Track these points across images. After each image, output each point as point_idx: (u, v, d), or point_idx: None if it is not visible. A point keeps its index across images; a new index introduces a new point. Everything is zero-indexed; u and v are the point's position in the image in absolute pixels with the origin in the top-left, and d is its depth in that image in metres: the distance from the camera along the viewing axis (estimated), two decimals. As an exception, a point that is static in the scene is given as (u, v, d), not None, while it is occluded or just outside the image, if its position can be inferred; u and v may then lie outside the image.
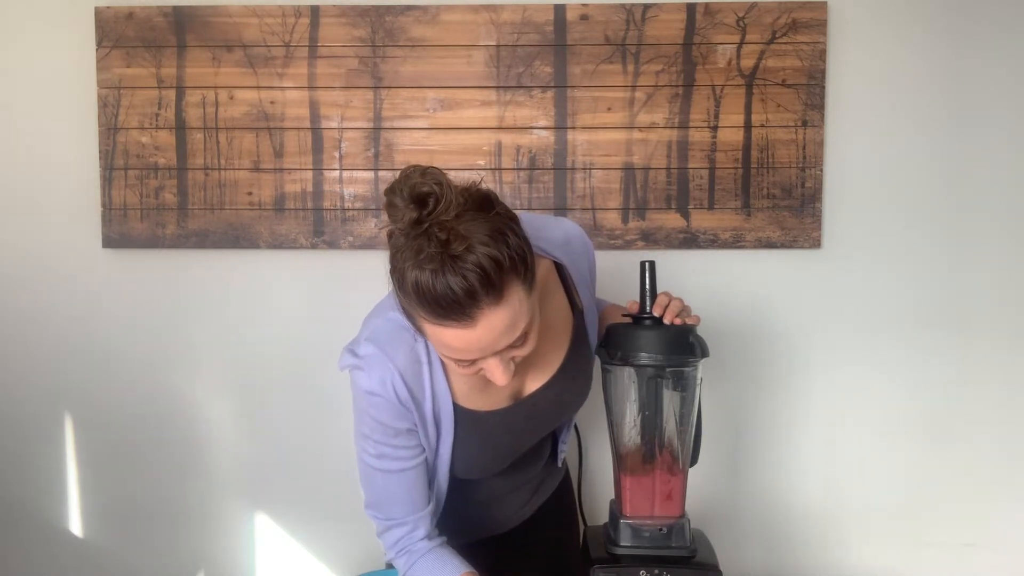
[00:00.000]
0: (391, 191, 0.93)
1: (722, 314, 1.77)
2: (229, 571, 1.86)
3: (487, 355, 0.96)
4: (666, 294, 1.20)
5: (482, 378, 1.09)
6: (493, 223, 0.91)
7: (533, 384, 1.17)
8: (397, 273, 0.93)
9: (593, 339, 1.26)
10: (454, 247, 0.88)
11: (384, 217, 0.99)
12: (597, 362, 1.34)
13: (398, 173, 1.12)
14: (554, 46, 1.72)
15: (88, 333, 1.80)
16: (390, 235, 0.96)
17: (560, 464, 1.43)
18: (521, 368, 1.13)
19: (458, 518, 1.26)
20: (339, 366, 1.11)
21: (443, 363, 1.09)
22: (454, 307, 0.89)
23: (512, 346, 0.97)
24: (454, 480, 1.19)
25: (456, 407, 1.11)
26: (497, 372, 0.98)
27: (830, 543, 1.84)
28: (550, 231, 1.17)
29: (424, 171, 0.92)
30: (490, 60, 1.72)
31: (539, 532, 1.40)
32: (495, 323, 0.92)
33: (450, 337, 0.93)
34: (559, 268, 1.19)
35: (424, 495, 1.15)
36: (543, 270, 1.12)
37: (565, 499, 1.48)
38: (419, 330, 0.99)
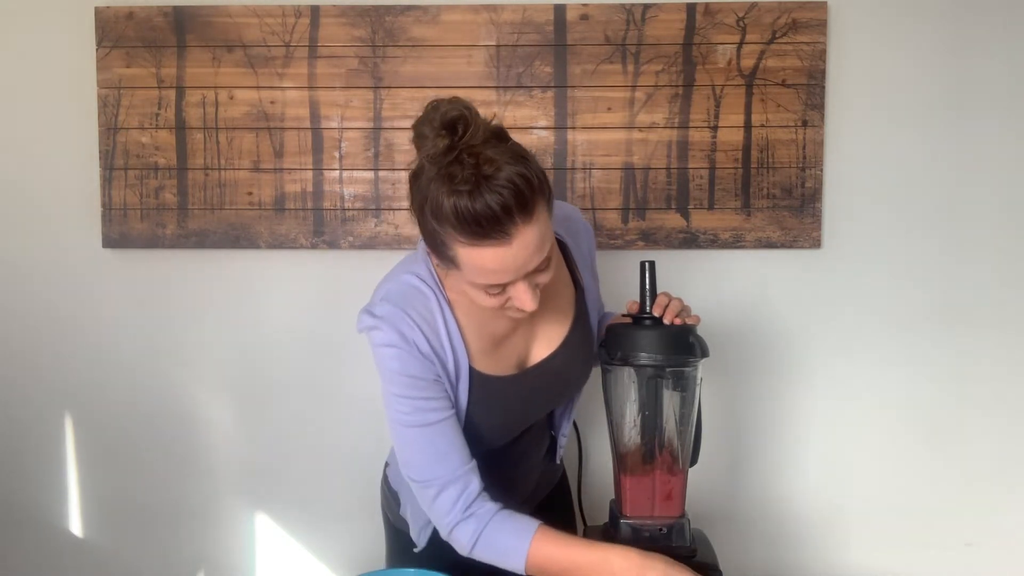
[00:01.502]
0: (419, 123, 0.98)
1: (722, 314, 1.77)
2: (229, 571, 1.86)
3: (518, 278, 1.00)
4: (666, 294, 1.20)
5: (493, 339, 1.15)
6: (513, 149, 0.98)
7: (539, 354, 1.20)
8: (431, 203, 0.96)
9: (594, 325, 1.28)
10: (485, 169, 0.93)
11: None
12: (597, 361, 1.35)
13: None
14: (554, 46, 1.72)
15: (88, 333, 1.80)
16: (415, 174, 1.00)
17: (558, 461, 1.43)
18: (527, 336, 1.19)
19: None
20: (357, 328, 1.13)
21: (459, 324, 1.11)
22: (493, 224, 0.93)
23: (538, 269, 1.02)
24: None
25: (471, 369, 1.13)
26: (526, 297, 1.02)
27: (830, 543, 1.84)
28: None
29: (450, 99, 0.97)
30: (490, 60, 1.72)
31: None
32: (528, 240, 0.97)
33: (488, 258, 0.97)
34: (561, 246, 1.22)
35: (466, 447, 1.12)
36: None
37: (563, 501, 1.48)
38: (452, 263, 1.01)
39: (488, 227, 0.94)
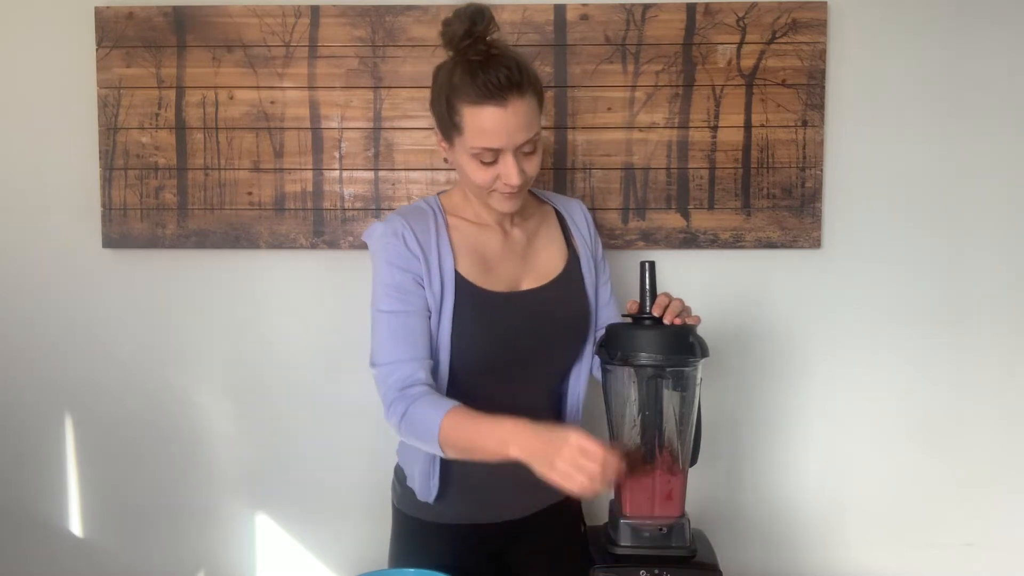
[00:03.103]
0: (449, 18, 1.21)
1: (722, 314, 1.77)
2: (229, 571, 1.86)
3: (509, 148, 1.21)
4: (666, 294, 1.20)
5: (484, 260, 1.31)
6: (518, 52, 1.25)
7: (529, 284, 1.34)
8: (448, 79, 1.22)
9: (591, 293, 1.38)
10: (493, 51, 1.20)
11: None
12: (597, 361, 1.34)
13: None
14: (554, 46, 1.72)
15: (88, 333, 1.80)
16: (438, 68, 1.26)
17: None
18: (520, 267, 1.34)
19: (461, 491, 1.30)
20: (363, 237, 1.33)
21: (450, 236, 1.30)
22: (496, 89, 1.17)
23: (525, 150, 1.23)
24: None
25: (456, 273, 1.28)
26: (513, 171, 1.21)
27: (830, 543, 1.84)
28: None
29: (474, 2, 1.21)
30: (490, 60, 1.72)
31: (542, 536, 1.40)
32: (520, 111, 1.19)
33: (487, 116, 1.19)
34: (557, 215, 1.42)
35: (428, 349, 1.26)
36: (542, 209, 1.43)
37: (569, 504, 1.48)
38: (457, 129, 1.22)
39: (492, 90, 1.17)
